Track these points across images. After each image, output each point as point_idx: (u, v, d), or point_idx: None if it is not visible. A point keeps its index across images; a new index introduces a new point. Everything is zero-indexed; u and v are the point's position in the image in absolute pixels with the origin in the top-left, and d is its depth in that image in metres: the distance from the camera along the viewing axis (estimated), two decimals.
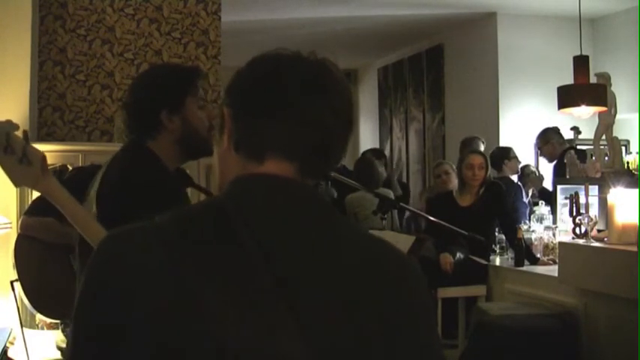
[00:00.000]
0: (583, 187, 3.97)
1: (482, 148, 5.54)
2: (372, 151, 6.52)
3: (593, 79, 4.68)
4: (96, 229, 1.63)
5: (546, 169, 5.75)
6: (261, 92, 0.94)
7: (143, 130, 1.81)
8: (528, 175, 5.55)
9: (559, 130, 5.45)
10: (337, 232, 0.93)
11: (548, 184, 5.36)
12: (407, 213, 5.10)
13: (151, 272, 0.84)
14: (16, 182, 1.61)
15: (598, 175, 3.97)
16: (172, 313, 0.82)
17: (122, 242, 0.89)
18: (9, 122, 1.56)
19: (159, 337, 0.82)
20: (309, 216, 0.92)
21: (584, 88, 4.70)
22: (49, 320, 3.53)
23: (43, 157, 1.63)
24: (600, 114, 4.31)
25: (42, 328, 3.77)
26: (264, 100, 0.93)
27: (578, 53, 4.96)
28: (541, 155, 5.69)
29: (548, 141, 5.38)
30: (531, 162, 6.18)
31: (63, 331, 3.18)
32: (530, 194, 5.34)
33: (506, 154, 5.56)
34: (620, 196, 3.38)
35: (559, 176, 4.72)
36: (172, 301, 0.82)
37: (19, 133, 1.58)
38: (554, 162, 5.26)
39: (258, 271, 0.85)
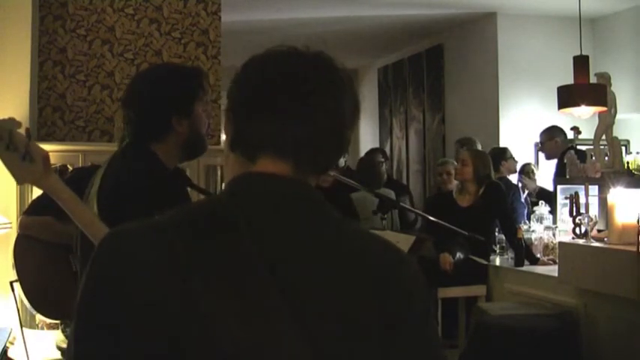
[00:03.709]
0: (583, 187, 3.96)
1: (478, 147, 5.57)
2: (374, 150, 6.51)
3: (593, 79, 4.68)
4: (98, 227, 1.64)
5: (546, 168, 5.74)
6: (252, 93, 0.95)
7: (151, 133, 1.81)
8: (528, 174, 5.55)
9: (564, 130, 5.44)
10: (334, 231, 0.94)
11: (549, 183, 5.35)
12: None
13: (152, 270, 0.84)
14: (19, 179, 1.62)
15: (598, 175, 3.96)
16: (174, 313, 0.82)
17: (124, 240, 0.89)
18: (12, 120, 1.56)
19: (159, 336, 0.82)
20: (305, 214, 0.92)
21: (584, 88, 4.69)
22: (49, 320, 3.53)
23: (46, 155, 1.63)
24: (600, 114, 4.30)
25: (42, 328, 3.77)
26: (254, 100, 0.95)
27: (578, 53, 4.96)
28: (541, 150, 5.67)
29: (553, 138, 5.36)
30: (531, 162, 6.17)
31: (63, 331, 3.18)
32: (526, 192, 5.34)
33: (503, 154, 5.56)
34: (620, 196, 3.38)
35: (559, 176, 4.72)
36: (174, 301, 0.82)
37: (21, 131, 1.59)
38: (555, 161, 5.25)
39: (259, 272, 0.85)
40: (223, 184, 1.06)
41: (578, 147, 5.06)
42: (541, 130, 5.59)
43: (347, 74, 0.99)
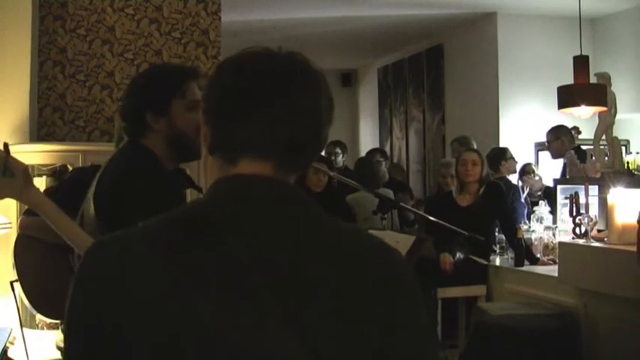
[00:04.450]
0: (583, 187, 3.96)
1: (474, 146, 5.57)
2: (374, 151, 6.51)
3: (593, 79, 4.68)
4: (82, 238, 1.63)
5: (547, 168, 5.73)
6: (229, 96, 0.95)
7: (132, 131, 1.82)
8: (529, 173, 5.54)
9: (570, 130, 5.43)
10: (319, 229, 0.94)
11: (549, 183, 5.34)
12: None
13: (140, 278, 0.84)
14: (0, 195, 1.60)
15: (598, 175, 3.96)
16: (165, 318, 0.82)
17: (110, 249, 0.89)
18: None
19: (152, 341, 0.82)
20: (296, 215, 0.92)
21: (584, 88, 4.69)
22: (49, 320, 3.52)
23: (25, 169, 1.62)
24: (600, 114, 4.30)
25: (42, 328, 3.77)
26: (230, 103, 0.94)
27: (578, 53, 4.96)
28: (548, 149, 5.64)
29: (559, 137, 5.34)
30: (531, 162, 6.16)
31: (63, 331, 3.17)
32: (526, 192, 5.34)
33: (503, 154, 5.55)
34: (620, 196, 3.38)
35: (564, 176, 4.71)
36: (164, 306, 0.82)
37: None
38: (561, 161, 5.23)
39: (253, 274, 0.85)
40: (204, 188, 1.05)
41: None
42: (541, 129, 5.60)
43: (321, 73, 0.99)
